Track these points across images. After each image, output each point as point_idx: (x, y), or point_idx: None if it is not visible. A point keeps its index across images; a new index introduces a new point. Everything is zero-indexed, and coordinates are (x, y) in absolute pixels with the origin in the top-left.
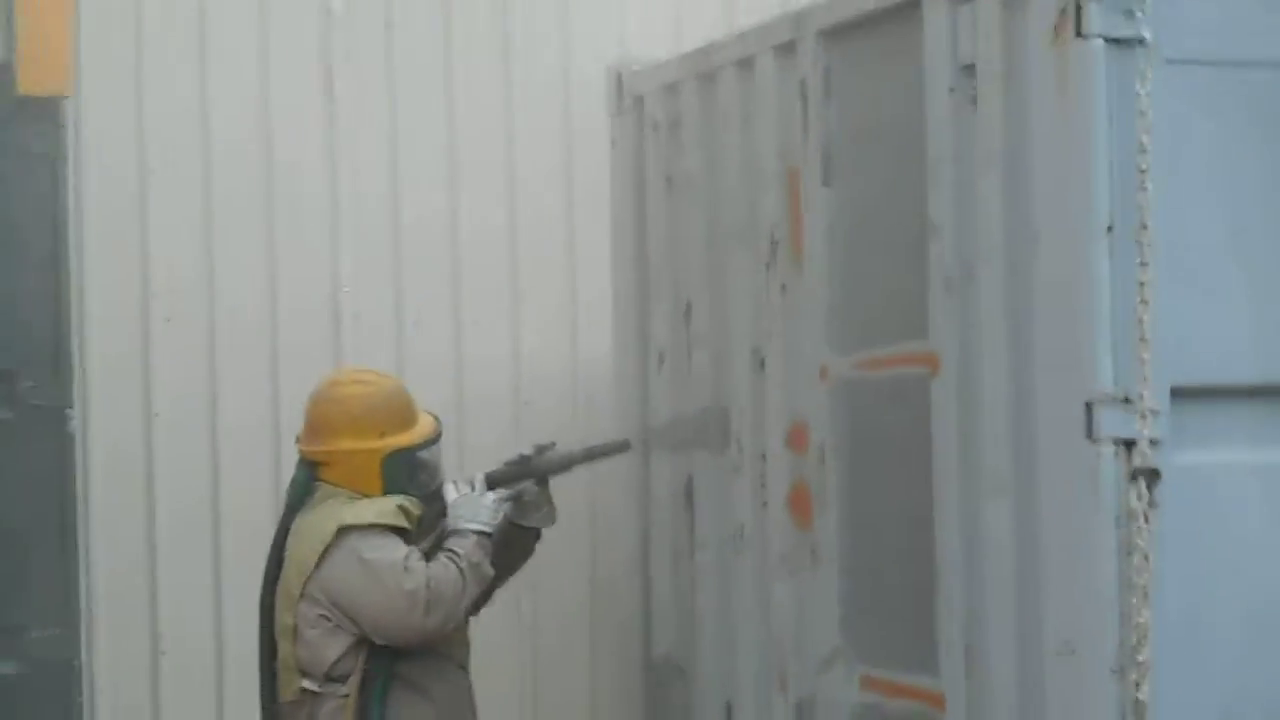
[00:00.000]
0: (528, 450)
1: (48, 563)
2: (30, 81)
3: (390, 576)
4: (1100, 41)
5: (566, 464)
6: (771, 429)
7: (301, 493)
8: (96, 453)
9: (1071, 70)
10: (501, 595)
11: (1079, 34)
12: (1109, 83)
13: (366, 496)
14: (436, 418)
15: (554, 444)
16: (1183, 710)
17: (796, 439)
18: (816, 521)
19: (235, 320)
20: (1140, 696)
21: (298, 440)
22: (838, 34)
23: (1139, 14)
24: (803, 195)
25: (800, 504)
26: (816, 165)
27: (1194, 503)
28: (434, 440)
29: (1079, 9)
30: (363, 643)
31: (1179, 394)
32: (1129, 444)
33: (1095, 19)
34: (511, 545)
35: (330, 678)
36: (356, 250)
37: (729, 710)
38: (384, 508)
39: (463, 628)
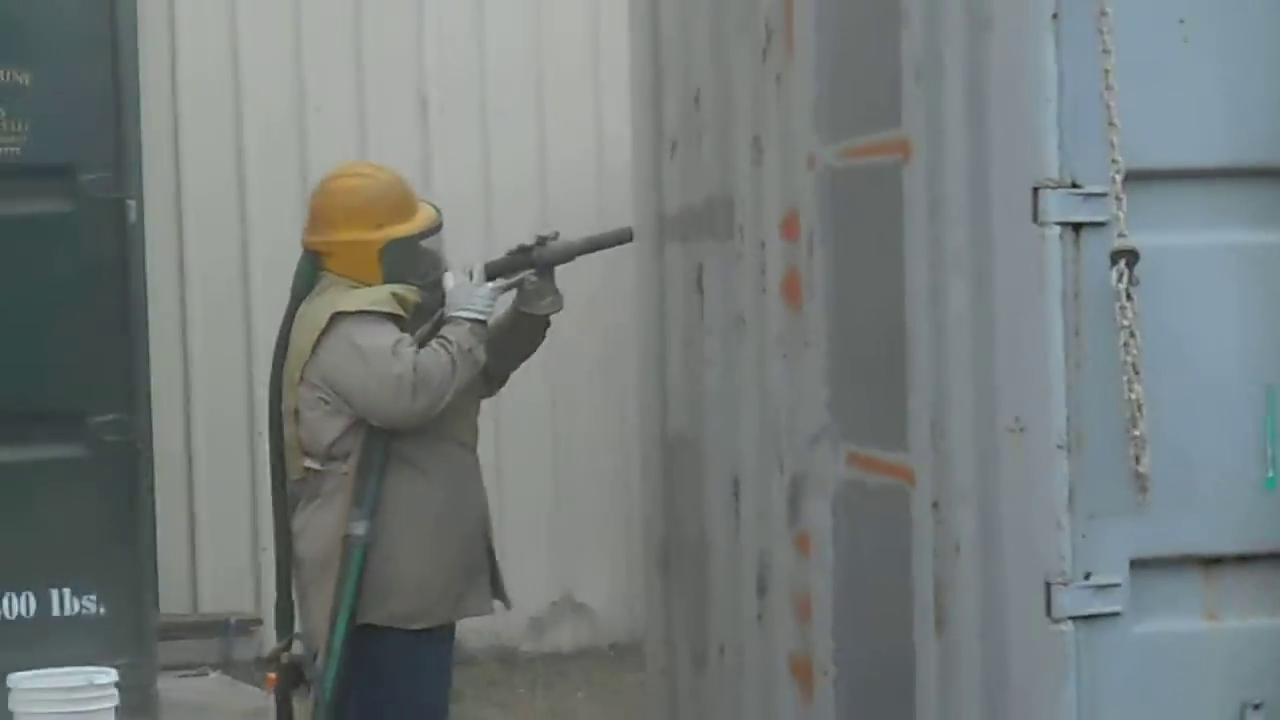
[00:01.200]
0: (529, 241)
1: (112, 351)
2: None
3: (378, 360)
4: None
5: (568, 254)
6: (768, 217)
7: (306, 282)
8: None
9: None
10: (524, 383)
11: None
12: None
13: (367, 285)
14: (437, 209)
15: (557, 234)
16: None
17: (789, 227)
18: (806, 306)
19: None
20: (1141, 469)
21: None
22: None
23: None
24: None
25: (793, 289)
26: None
27: (1147, 284)
28: (432, 230)
29: None
30: (360, 423)
31: (1132, 177)
32: (1077, 227)
33: None
34: (519, 332)
35: (331, 456)
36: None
37: (735, 484)
38: (378, 295)
39: (466, 408)
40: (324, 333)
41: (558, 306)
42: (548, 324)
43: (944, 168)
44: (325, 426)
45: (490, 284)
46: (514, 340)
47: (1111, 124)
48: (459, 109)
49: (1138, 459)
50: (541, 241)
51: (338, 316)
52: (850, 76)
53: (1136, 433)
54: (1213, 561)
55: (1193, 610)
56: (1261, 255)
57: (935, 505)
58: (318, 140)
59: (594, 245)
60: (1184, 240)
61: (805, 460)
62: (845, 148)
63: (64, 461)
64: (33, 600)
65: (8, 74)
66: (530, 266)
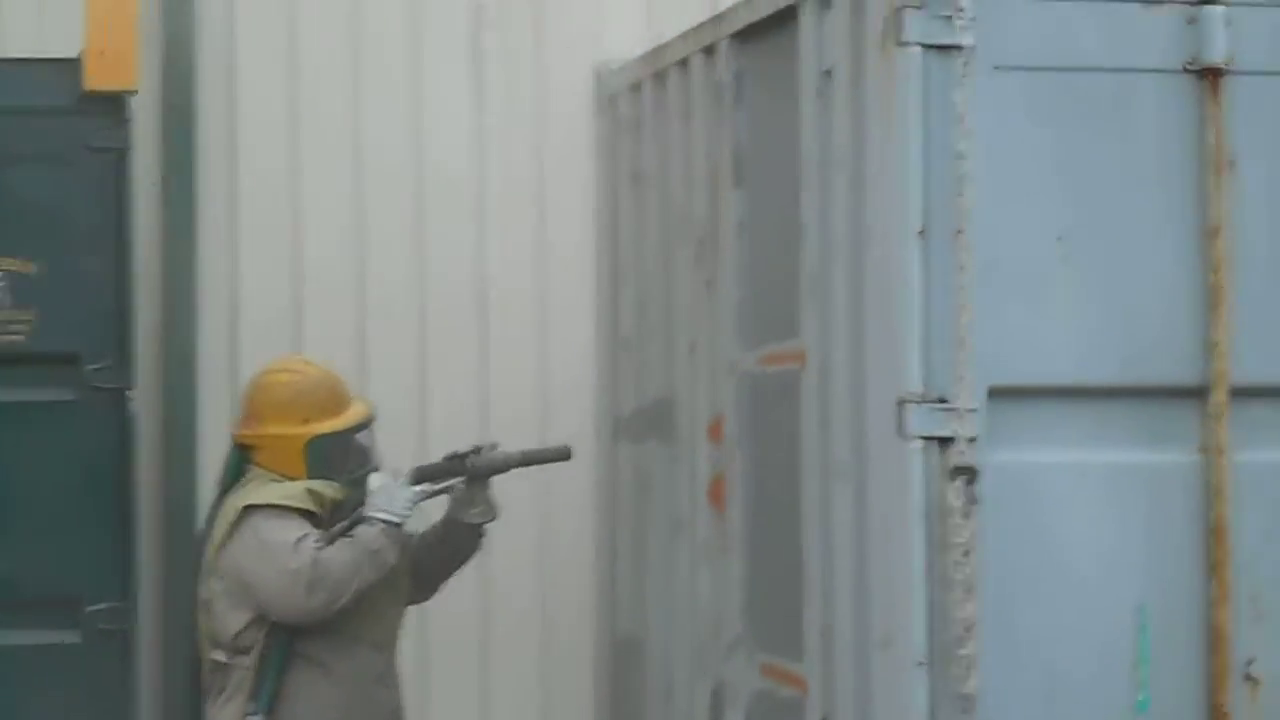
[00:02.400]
0: (463, 449)
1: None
2: (96, 78)
3: (278, 554)
4: (918, 49)
5: (502, 466)
6: (699, 421)
7: (232, 475)
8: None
9: (892, 77)
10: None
11: (899, 41)
12: (930, 90)
13: (291, 479)
14: (370, 405)
15: (495, 445)
16: (1002, 701)
17: (715, 430)
18: (728, 510)
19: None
20: (966, 690)
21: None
22: (746, 37)
23: (958, 21)
24: (719, 195)
25: (718, 493)
26: (729, 166)
27: (1010, 500)
28: (360, 427)
29: (899, 17)
30: (264, 617)
31: (996, 394)
32: (945, 441)
33: (913, 26)
34: (449, 540)
35: (236, 649)
36: None
37: (669, 691)
38: (291, 490)
39: (381, 610)
40: (234, 525)
41: (489, 516)
42: (480, 534)
43: (830, 378)
44: (230, 618)
45: (415, 488)
46: (445, 548)
47: (964, 340)
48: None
49: (962, 680)
50: (476, 450)
51: (248, 509)
52: (766, 285)
53: (963, 652)
54: None
55: None
56: (1136, 475)
57: (825, 717)
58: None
59: (530, 459)
60: (1056, 458)
61: (723, 668)
62: (761, 354)
63: (59, 648)
64: None
65: (16, 263)
66: (462, 474)
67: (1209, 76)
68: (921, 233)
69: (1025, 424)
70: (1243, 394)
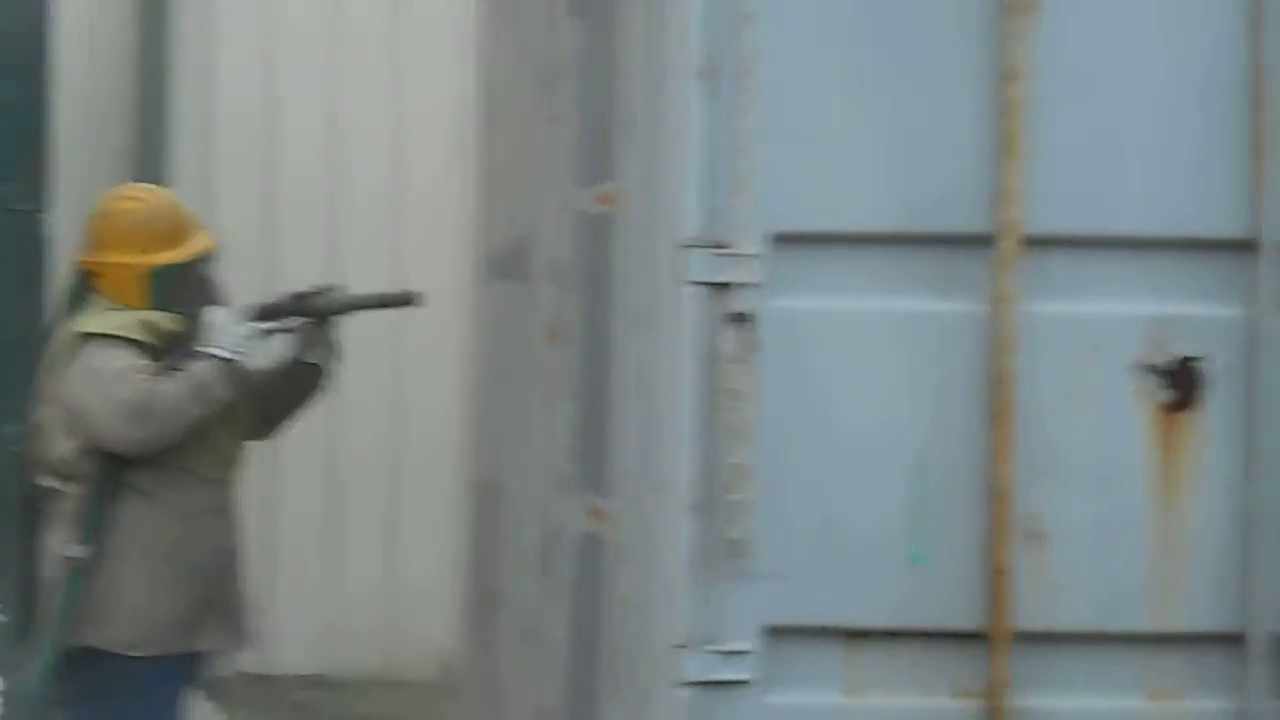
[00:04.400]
0: (306, 289)
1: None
2: None
3: (108, 384)
4: None
5: (344, 307)
6: (545, 261)
7: (74, 302)
8: None
9: None
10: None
11: None
12: None
13: (131, 309)
14: (213, 237)
15: (339, 286)
16: (776, 549)
17: (556, 271)
18: (561, 353)
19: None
20: (736, 535)
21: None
22: None
23: None
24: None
25: (554, 335)
26: None
27: (791, 348)
28: (201, 259)
29: None
30: (95, 447)
31: (781, 240)
32: (724, 287)
33: None
34: (292, 379)
35: (66, 476)
36: None
37: (516, 533)
38: (124, 320)
39: (215, 443)
40: (67, 352)
41: (329, 358)
42: (323, 375)
43: (632, 223)
44: (60, 445)
45: (253, 324)
46: (287, 387)
47: (745, 185)
48: None
49: (731, 523)
50: (320, 290)
51: (84, 337)
52: (601, 121)
53: (735, 498)
54: (857, 634)
55: (833, 685)
56: (922, 324)
57: (619, 560)
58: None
59: (374, 303)
60: (836, 305)
61: (556, 509)
62: (594, 194)
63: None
64: None
65: None
66: (305, 314)
67: None
68: (703, 72)
69: (810, 271)
70: (1034, 243)
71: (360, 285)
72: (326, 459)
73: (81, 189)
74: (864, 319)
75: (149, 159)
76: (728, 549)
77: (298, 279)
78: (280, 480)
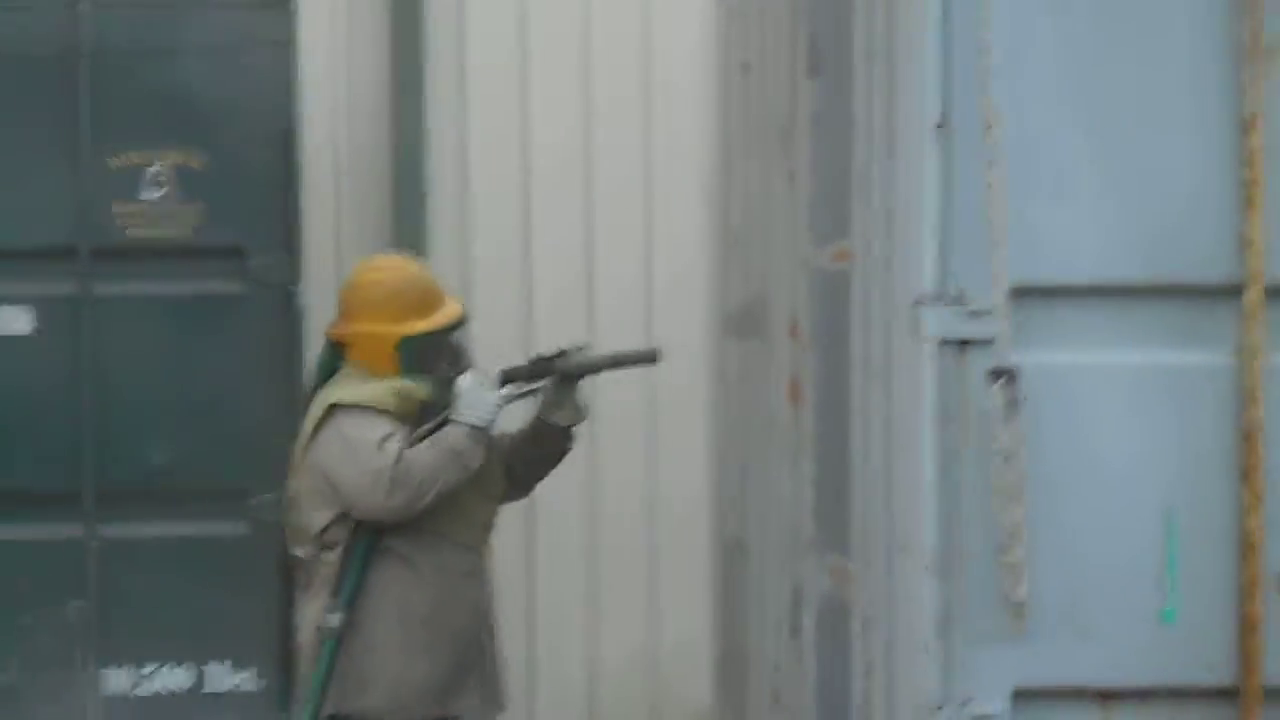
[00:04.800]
0: (550, 351)
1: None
2: None
3: (363, 453)
4: None
5: (589, 368)
6: (783, 318)
7: (325, 372)
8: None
9: None
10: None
11: None
12: None
13: (383, 377)
14: (462, 306)
15: (582, 346)
16: (1034, 608)
17: (794, 328)
18: (801, 411)
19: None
20: (1017, 597)
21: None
22: None
23: None
24: (797, 85)
25: (795, 392)
26: (805, 54)
27: (1034, 403)
28: (452, 327)
29: None
30: (349, 515)
31: (1021, 294)
32: (961, 344)
33: None
34: (539, 441)
35: (321, 545)
36: None
37: (763, 594)
38: (378, 389)
39: (469, 509)
40: (321, 422)
41: (577, 419)
42: (569, 436)
43: (869, 278)
44: (316, 515)
45: (502, 390)
46: (535, 449)
47: (995, 239)
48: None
49: (1011, 586)
50: (563, 352)
51: (335, 407)
52: (839, 179)
53: (1009, 559)
54: (1109, 695)
55: None
56: (1166, 377)
57: (864, 621)
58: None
59: (618, 362)
60: (1084, 359)
61: (800, 570)
62: (830, 251)
63: (226, 539)
64: (188, 674)
65: (183, 157)
66: (549, 375)
67: None
68: (940, 126)
69: (1050, 324)
70: (1278, 294)
71: (612, 343)
72: (582, 520)
73: (335, 259)
74: (1108, 372)
75: (404, 228)
76: (1012, 610)
77: (551, 340)
78: (536, 542)
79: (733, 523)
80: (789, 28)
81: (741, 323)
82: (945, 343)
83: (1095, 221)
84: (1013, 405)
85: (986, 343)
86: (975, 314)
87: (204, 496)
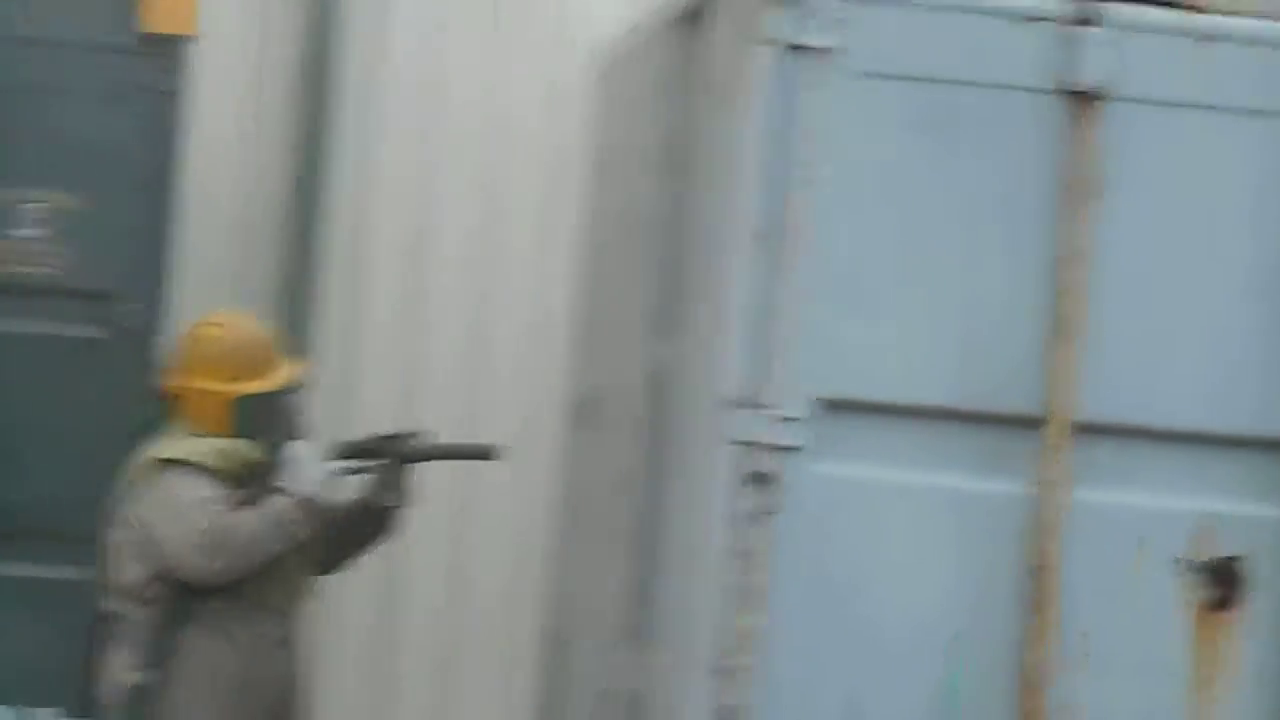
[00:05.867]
0: (390, 431)
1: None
2: (154, 19)
3: (189, 513)
4: (772, 47)
5: (426, 455)
6: (619, 411)
7: (155, 425)
8: None
9: (744, 75)
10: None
11: (757, 38)
12: (782, 91)
13: (215, 435)
14: (300, 369)
15: (422, 431)
16: (821, 713)
17: (626, 423)
18: (625, 505)
19: None
20: (728, 701)
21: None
22: (681, 24)
23: (814, 23)
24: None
25: (621, 487)
26: (655, 154)
27: (828, 514)
28: (286, 390)
29: (757, 14)
30: (166, 573)
31: (826, 406)
32: (763, 448)
33: (773, 24)
34: (361, 521)
35: (135, 601)
36: None
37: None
38: (205, 448)
39: (288, 578)
40: (145, 477)
41: (404, 503)
42: (392, 519)
43: (687, 379)
44: (132, 570)
45: (335, 463)
46: (355, 528)
47: (801, 349)
48: None
49: (729, 689)
50: (404, 435)
51: (161, 463)
52: (675, 278)
53: (736, 663)
54: None
55: None
56: (964, 502)
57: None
58: None
59: (455, 453)
60: (882, 475)
61: (609, 665)
62: (666, 349)
63: (71, 583)
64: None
65: (60, 197)
66: (384, 456)
67: (1082, 100)
68: (757, 235)
69: (851, 438)
70: (1084, 430)
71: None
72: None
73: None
74: (906, 492)
75: (293, 289)
76: (721, 714)
77: (435, 410)
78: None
79: (558, 615)
80: (648, 125)
81: (584, 413)
82: (742, 445)
83: (905, 341)
84: (764, 509)
85: (783, 449)
86: (776, 421)
87: (51, 538)
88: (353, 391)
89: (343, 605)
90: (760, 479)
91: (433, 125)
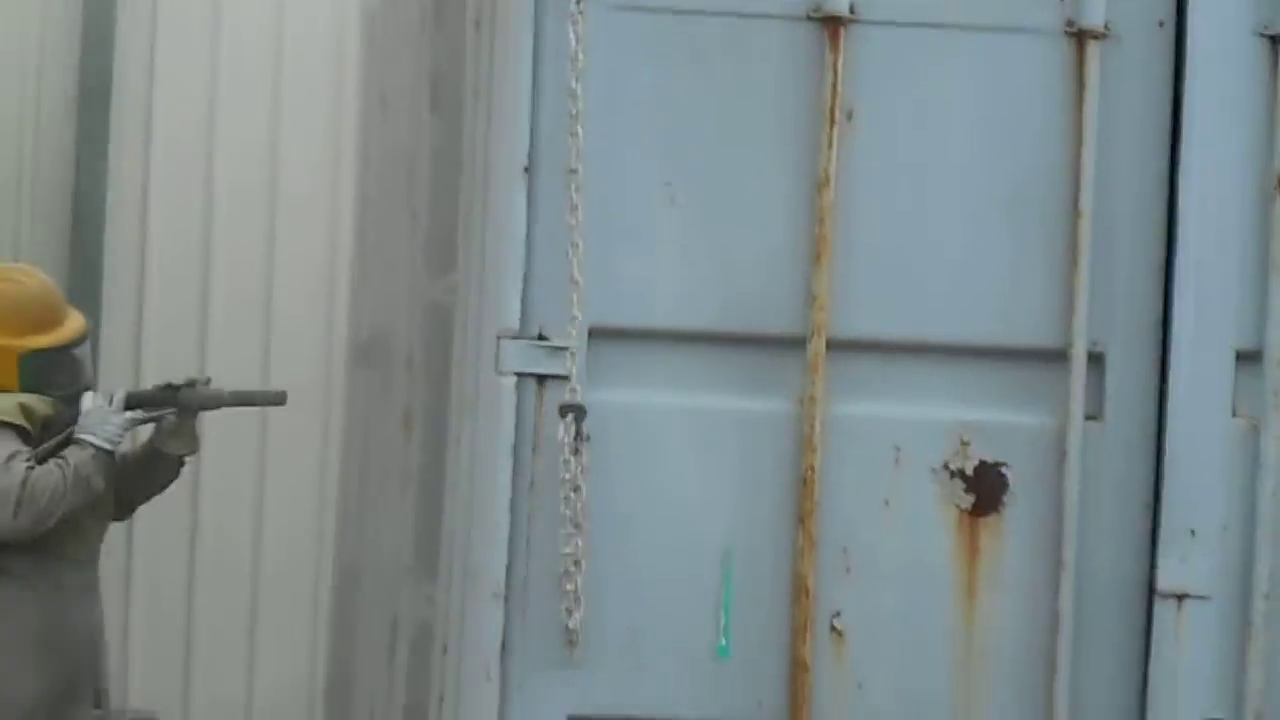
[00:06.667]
0: (179, 380)
1: None
2: None
3: None
4: None
5: (213, 403)
6: (401, 350)
7: None
8: None
9: (508, 9)
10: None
11: None
12: (545, 26)
13: (4, 391)
14: (85, 321)
15: (208, 379)
16: (586, 639)
17: (409, 361)
18: (410, 441)
19: None
20: (571, 624)
21: None
22: None
23: None
24: (420, 122)
25: (406, 423)
26: (427, 92)
27: (605, 440)
28: (76, 343)
29: None
30: None
31: (597, 334)
32: (542, 379)
33: None
34: (150, 467)
35: None
36: None
37: (370, 618)
38: (4, 404)
39: (84, 528)
40: None
41: (191, 449)
42: (180, 464)
43: (467, 313)
44: None
45: (127, 414)
46: (145, 474)
47: (574, 280)
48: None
49: (569, 613)
50: (191, 383)
51: None
52: (449, 214)
53: (569, 587)
54: None
55: None
56: (732, 421)
57: (443, 648)
58: None
59: (243, 400)
60: (656, 400)
61: (400, 598)
62: (443, 285)
63: None
64: None
65: None
66: (173, 406)
67: (830, 25)
68: (527, 169)
69: (624, 365)
70: (842, 347)
71: (227, 375)
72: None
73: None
74: (677, 415)
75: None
76: (565, 638)
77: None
78: (136, 565)
79: (348, 552)
80: (416, 63)
81: (367, 353)
82: (523, 376)
83: (673, 269)
84: (579, 439)
85: (563, 379)
86: (553, 351)
87: None
88: (144, 343)
89: (149, 550)
90: (570, 409)
91: (213, 71)
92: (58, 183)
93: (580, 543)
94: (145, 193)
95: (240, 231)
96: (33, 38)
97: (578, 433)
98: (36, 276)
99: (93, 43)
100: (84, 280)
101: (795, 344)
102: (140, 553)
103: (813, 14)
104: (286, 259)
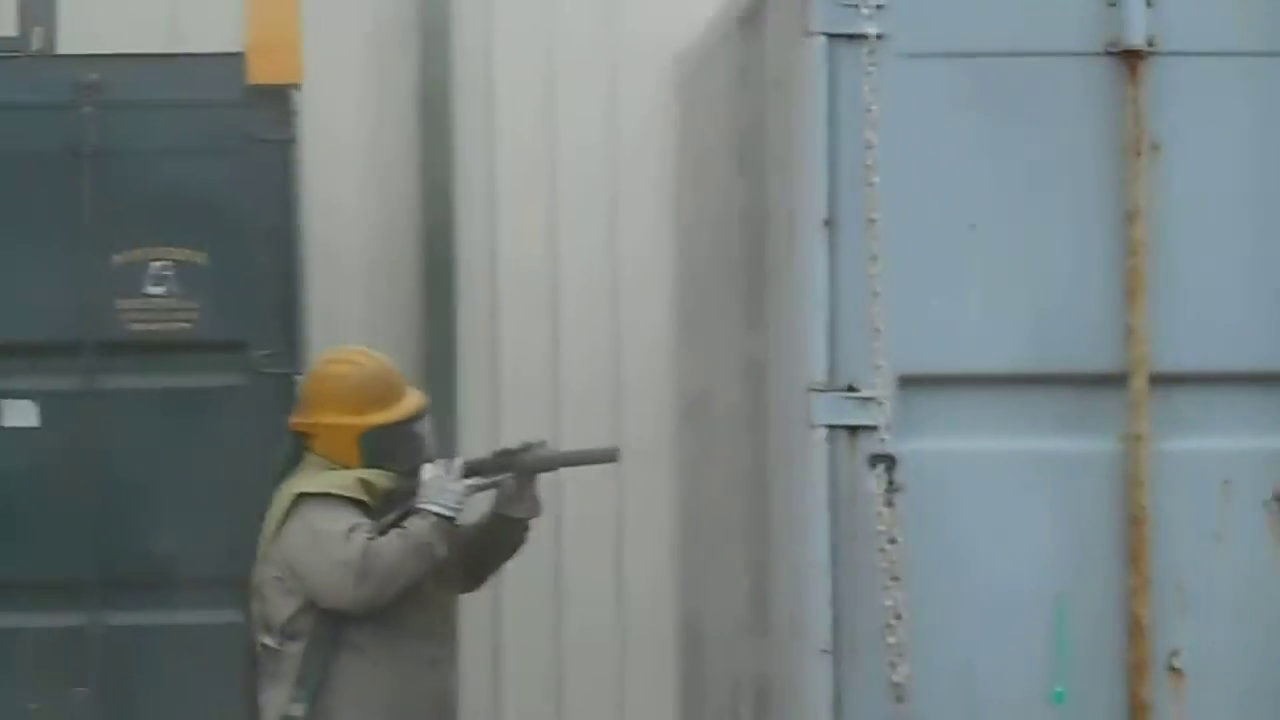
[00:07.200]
0: (514, 445)
1: None
2: (259, 71)
3: (330, 544)
4: (822, 38)
5: (549, 464)
6: (726, 406)
7: (289, 462)
8: None
9: (800, 66)
10: None
11: (805, 31)
12: (838, 79)
13: (345, 468)
14: (423, 397)
15: (544, 442)
16: (919, 691)
17: (732, 416)
18: (739, 497)
19: None
20: (897, 678)
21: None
22: (748, 22)
23: (864, 10)
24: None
25: (735, 479)
26: (735, 155)
27: (922, 490)
28: (413, 419)
29: (806, 6)
30: (314, 605)
31: (908, 382)
32: (853, 430)
33: (818, 16)
34: (495, 533)
35: (285, 635)
36: None
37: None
38: (344, 479)
39: (430, 600)
40: (287, 513)
41: (534, 513)
42: (525, 529)
43: (778, 368)
44: (281, 605)
45: (465, 481)
46: (490, 541)
47: (876, 329)
48: None
49: (893, 667)
50: (527, 447)
51: (301, 497)
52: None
53: (892, 640)
54: None
55: None
56: (1054, 463)
57: (778, 703)
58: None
59: (577, 460)
60: (972, 446)
61: (737, 656)
62: (758, 341)
63: (225, 627)
64: None
65: (185, 253)
66: (511, 470)
67: (1129, 59)
68: (827, 222)
69: (938, 413)
70: (1162, 381)
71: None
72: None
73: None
74: (996, 459)
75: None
76: (892, 692)
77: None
78: (502, 629)
79: (690, 611)
80: (727, 126)
81: (695, 410)
82: (834, 429)
83: (981, 312)
84: (892, 490)
85: (873, 429)
86: (862, 401)
87: (204, 585)
88: (496, 423)
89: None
90: (879, 460)
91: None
92: (402, 269)
93: (900, 595)
94: (494, 276)
95: (584, 302)
96: None
97: (890, 483)
98: (375, 358)
99: (432, 131)
100: (439, 350)
101: (1113, 381)
102: (508, 623)
103: (1110, 49)
104: (629, 321)
